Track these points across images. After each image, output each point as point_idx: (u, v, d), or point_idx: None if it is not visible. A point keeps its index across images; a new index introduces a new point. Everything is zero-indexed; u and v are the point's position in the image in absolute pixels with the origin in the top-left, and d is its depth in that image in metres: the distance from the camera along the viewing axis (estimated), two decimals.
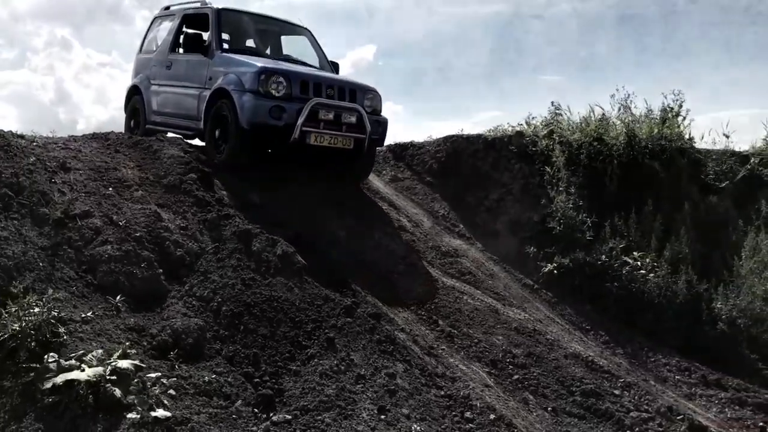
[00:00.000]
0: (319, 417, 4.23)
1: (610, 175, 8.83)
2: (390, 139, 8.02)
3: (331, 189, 7.48)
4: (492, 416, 4.84)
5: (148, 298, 4.80)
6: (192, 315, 4.75)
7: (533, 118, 9.93)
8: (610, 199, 8.64)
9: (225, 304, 4.92)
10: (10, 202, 4.81)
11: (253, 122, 6.71)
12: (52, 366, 3.60)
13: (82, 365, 3.64)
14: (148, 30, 9.31)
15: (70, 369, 3.59)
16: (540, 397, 5.57)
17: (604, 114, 9.64)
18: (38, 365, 3.61)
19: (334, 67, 8.63)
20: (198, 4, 8.32)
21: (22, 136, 6.02)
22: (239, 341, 4.70)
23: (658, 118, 9.56)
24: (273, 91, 6.76)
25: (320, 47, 8.71)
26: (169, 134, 8.10)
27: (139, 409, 3.57)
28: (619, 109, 9.66)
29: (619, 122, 9.47)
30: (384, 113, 7.67)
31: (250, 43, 8.49)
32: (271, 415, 4.16)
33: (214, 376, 4.28)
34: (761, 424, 6.14)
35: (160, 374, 3.95)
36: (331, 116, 6.96)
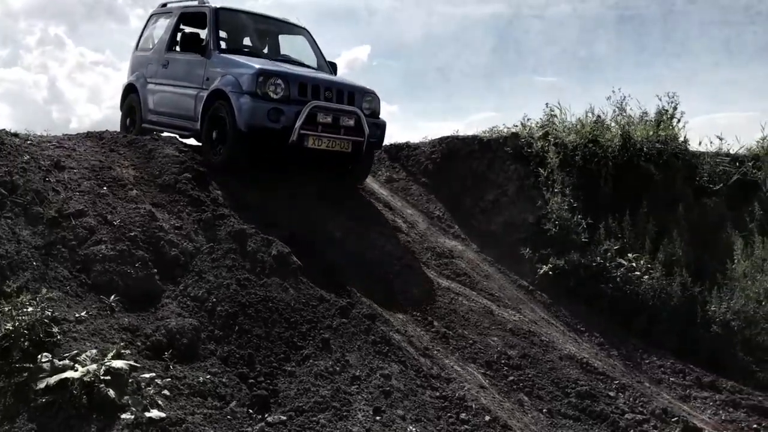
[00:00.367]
0: (314, 418, 4.22)
1: (605, 176, 8.84)
2: (385, 139, 7.99)
3: (326, 189, 7.46)
4: (487, 417, 4.83)
5: (142, 297, 4.78)
6: (186, 315, 4.73)
7: (528, 119, 9.92)
8: (605, 200, 8.65)
9: (220, 304, 4.90)
10: (3, 201, 4.79)
11: (250, 125, 6.66)
12: (46, 366, 3.59)
13: (76, 365, 3.63)
14: (144, 27, 9.22)
15: (64, 369, 3.58)
16: (535, 398, 5.57)
17: (599, 116, 9.67)
18: (32, 365, 3.59)
19: (333, 67, 8.58)
20: (196, 3, 8.24)
21: (16, 135, 6.00)
22: (234, 342, 4.68)
23: (653, 120, 9.59)
24: (271, 94, 6.72)
25: (318, 47, 8.67)
26: (164, 133, 8.07)
27: (134, 409, 3.55)
28: (615, 111, 9.70)
29: (614, 124, 9.49)
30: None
31: (247, 42, 8.45)
32: (266, 415, 4.15)
33: (208, 376, 4.26)
34: (755, 426, 6.16)
35: (154, 374, 3.94)
36: (329, 119, 6.93)
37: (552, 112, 9.89)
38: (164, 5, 9.02)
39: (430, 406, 4.78)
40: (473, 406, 4.90)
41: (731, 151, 9.70)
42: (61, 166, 5.75)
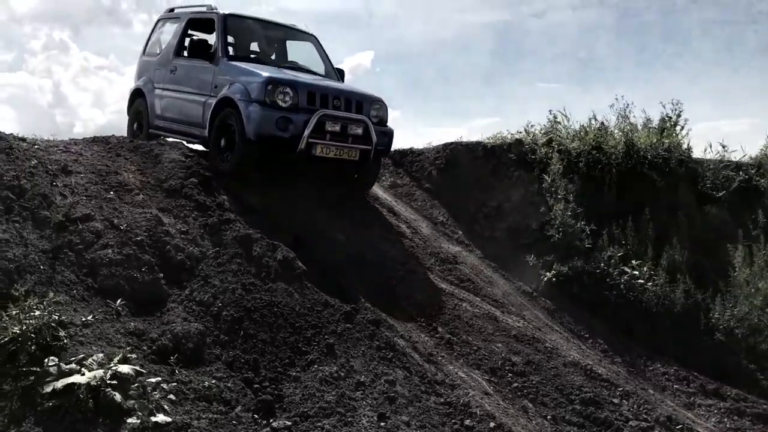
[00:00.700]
0: (319, 423, 4.23)
1: (608, 183, 8.87)
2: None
3: (331, 194, 7.48)
4: (491, 424, 4.83)
5: (148, 302, 4.79)
6: (192, 320, 4.74)
7: (532, 126, 9.97)
8: (608, 207, 8.66)
9: (225, 309, 4.91)
10: (11, 205, 4.81)
11: (259, 133, 6.65)
12: (53, 370, 3.60)
13: (83, 369, 3.64)
14: (152, 31, 9.21)
15: (71, 373, 3.59)
16: (539, 405, 5.57)
17: (603, 123, 9.69)
18: (38, 369, 3.60)
19: (340, 74, 8.55)
20: (204, 9, 8.23)
21: (23, 139, 6.02)
22: (239, 346, 4.69)
23: (656, 127, 9.62)
24: (280, 102, 6.71)
25: (326, 54, 8.64)
26: (169, 138, 8.08)
27: (140, 414, 3.57)
28: (618, 118, 9.71)
29: (617, 131, 9.51)
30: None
31: (255, 48, 8.45)
32: (271, 420, 4.16)
33: (214, 381, 4.27)
34: None
35: (160, 379, 3.95)
36: (337, 128, 6.92)
37: (556, 119, 9.93)
38: (172, 10, 9.03)
39: (434, 412, 4.78)
40: (478, 412, 4.90)
41: (734, 158, 9.72)
42: (69, 171, 5.77)
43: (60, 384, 3.50)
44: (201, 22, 8.28)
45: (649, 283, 7.63)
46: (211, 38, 7.85)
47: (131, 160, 6.69)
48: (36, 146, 5.98)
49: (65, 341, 3.89)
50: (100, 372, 3.62)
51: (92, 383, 3.54)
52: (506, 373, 5.83)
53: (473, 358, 5.88)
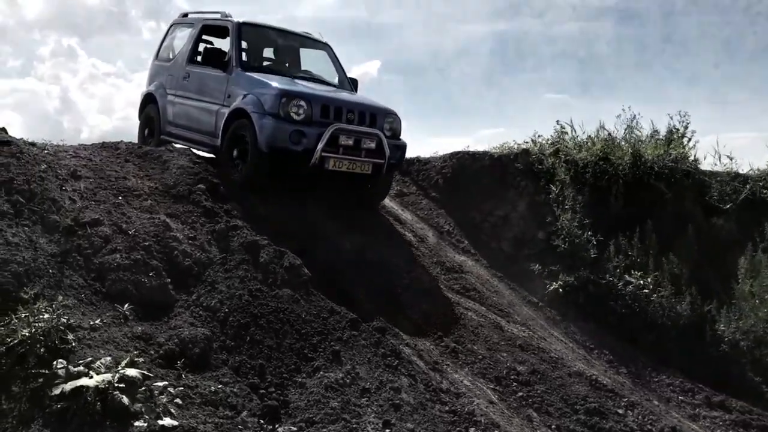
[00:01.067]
0: (324, 429, 4.24)
1: (615, 194, 8.87)
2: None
3: (337, 202, 7.50)
4: None
5: (155, 307, 4.83)
6: (199, 325, 4.77)
7: (539, 136, 9.98)
8: (615, 218, 8.65)
9: (232, 314, 4.94)
10: (21, 209, 4.85)
11: (272, 146, 6.62)
12: (61, 372, 3.63)
13: (91, 372, 3.66)
14: (165, 36, 9.12)
15: (79, 376, 3.61)
16: (544, 414, 5.56)
17: (610, 134, 9.70)
18: (47, 371, 3.63)
19: (353, 84, 8.48)
20: (218, 16, 8.16)
21: (33, 144, 6.08)
22: (245, 352, 4.71)
23: (663, 138, 9.62)
24: (293, 115, 6.67)
25: (340, 63, 8.55)
26: (178, 145, 8.08)
27: (147, 417, 3.59)
28: (625, 130, 9.72)
29: (624, 142, 9.52)
30: None
31: (269, 56, 8.39)
32: (277, 426, 4.17)
33: (220, 386, 4.29)
34: None
35: (167, 383, 3.97)
36: (351, 142, 6.87)
37: (563, 129, 9.95)
38: (185, 15, 8.99)
39: (439, 420, 4.78)
40: (482, 421, 4.90)
41: (741, 171, 9.71)
42: (78, 176, 5.82)
43: (68, 387, 3.52)
44: (215, 29, 8.23)
45: (655, 294, 7.62)
46: (224, 44, 7.79)
47: (140, 166, 6.73)
48: (46, 151, 6.03)
49: (73, 344, 3.92)
50: (108, 375, 3.64)
51: (100, 386, 3.57)
52: (511, 382, 5.82)
53: (478, 367, 5.87)
